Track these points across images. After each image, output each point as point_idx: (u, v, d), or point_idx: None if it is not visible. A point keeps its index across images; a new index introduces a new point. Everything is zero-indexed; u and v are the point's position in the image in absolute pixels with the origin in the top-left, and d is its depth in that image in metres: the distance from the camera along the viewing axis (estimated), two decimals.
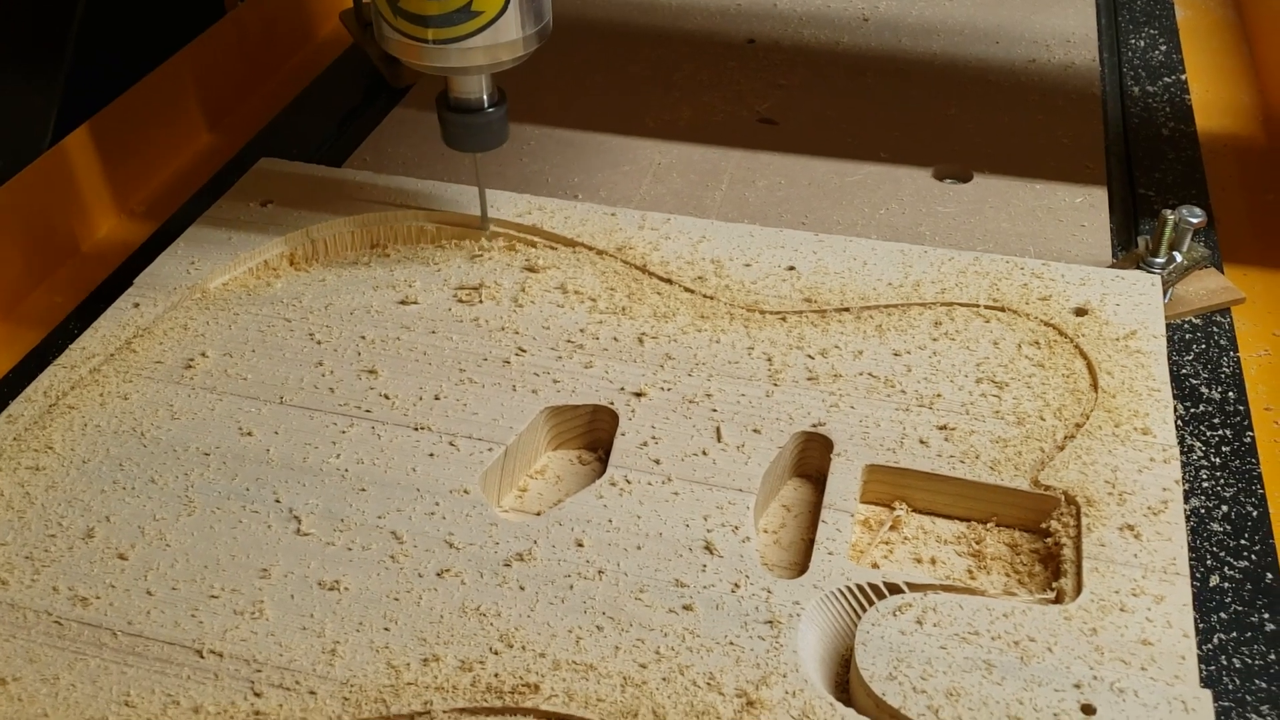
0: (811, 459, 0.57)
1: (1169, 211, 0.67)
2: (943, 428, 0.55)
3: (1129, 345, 0.59)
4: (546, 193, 0.75)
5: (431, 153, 0.82)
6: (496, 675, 0.45)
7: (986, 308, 0.62)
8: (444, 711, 0.44)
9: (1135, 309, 0.62)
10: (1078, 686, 0.44)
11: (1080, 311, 0.62)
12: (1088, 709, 0.44)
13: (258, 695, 0.45)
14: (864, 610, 0.48)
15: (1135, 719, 0.43)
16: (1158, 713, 0.44)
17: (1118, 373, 0.58)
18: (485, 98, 0.64)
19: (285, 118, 0.92)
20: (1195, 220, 0.67)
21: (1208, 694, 0.44)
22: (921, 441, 0.55)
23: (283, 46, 0.99)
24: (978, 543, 0.53)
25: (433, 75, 0.63)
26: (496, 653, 0.46)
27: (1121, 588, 0.48)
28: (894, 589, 0.49)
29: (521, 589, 0.49)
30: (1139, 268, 0.68)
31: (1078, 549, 0.50)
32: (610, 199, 0.77)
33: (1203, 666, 0.52)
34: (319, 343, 0.61)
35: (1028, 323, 0.61)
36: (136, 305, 0.64)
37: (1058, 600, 0.49)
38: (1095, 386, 0.57)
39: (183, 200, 0.82)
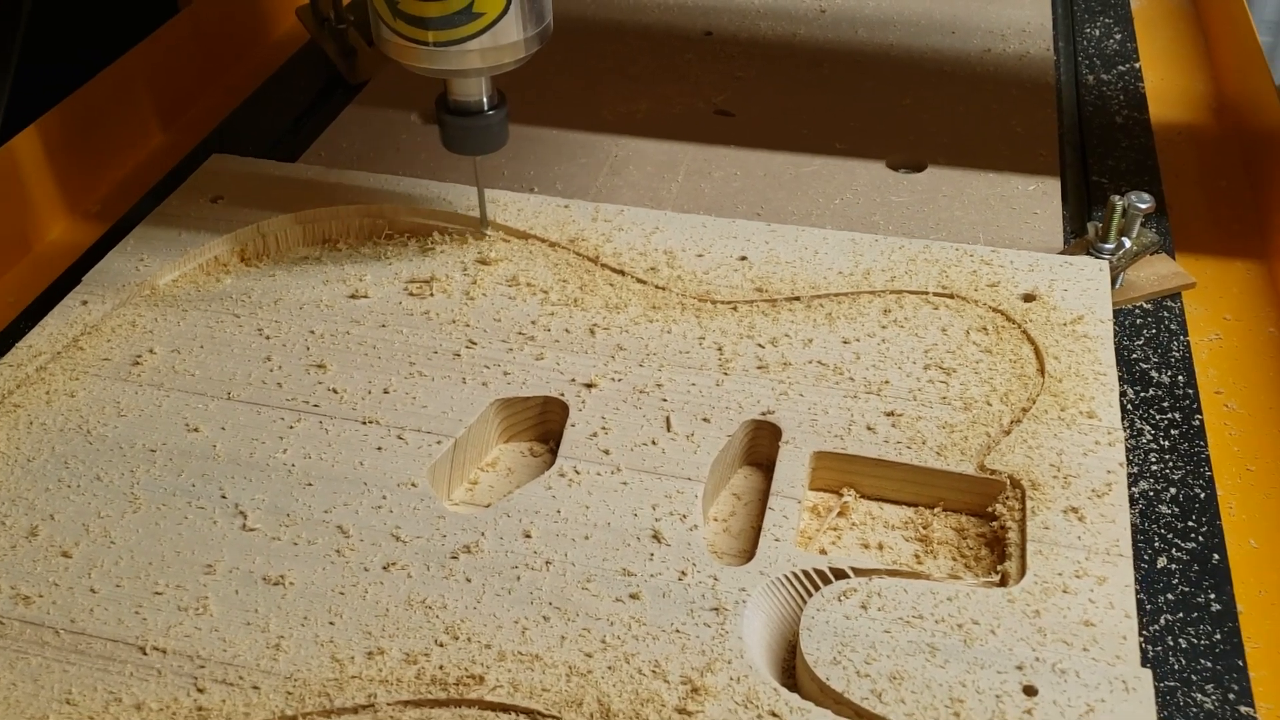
0: (761, 447, 0.57)
1: (1117, 197, 0.67)
2: (890, 414, 0.56)
3: (1076, 330, 0.60)
4: (502, 186, 0.75)
5: (386, 147, 0.81)
6: (441, 667, 0.45)
7: (935, 295, 0.62)
8: (388, 704, 0.44)
9: (1083, 294, 0.62)
10: (1020, 668, 0.45)
11: (1028, 297, 0.62)
12: (1029, 690, 0.44)
13: (201, 691, 0.45)
14: (810, 596, 0.48)
15: (1076, 699, 0.44)
16: (1098, 692, 0.44)
17: (1064, 357, 0.58)
18: (485, 100, 0.63)
19: (241, 114, 0.91)
20: (1144, 206, 0.68)
21: (1148, 673, 0.45)
22: (869, 428, 0.55)
23: (239, 43, 0.99)
24: (925, 527, 0.53)
25: (432, 78, 0.62)
26: (442, 645, 0.46)
27: (1065, 570, 0.48)
28: (840, 574, 0.49)
29: (468, 581, 0.49)
30: (1089, 254, 0.68)
31: (1022, 532, 0.50)
32: (567, 191, 0.77)
33: (1149, 647, 0.52)
34: (267, 338, 0.61)
35: (976, 309, 0.61)
36: (85, 303, 0.63)
37: (1002, 583, 0.49)
38: (1042, 371, 0.57)
39: (136, 200, 0.82)
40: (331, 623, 0.47)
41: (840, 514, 0.54)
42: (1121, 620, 0.46)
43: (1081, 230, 0.75)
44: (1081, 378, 0.57)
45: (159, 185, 0.82)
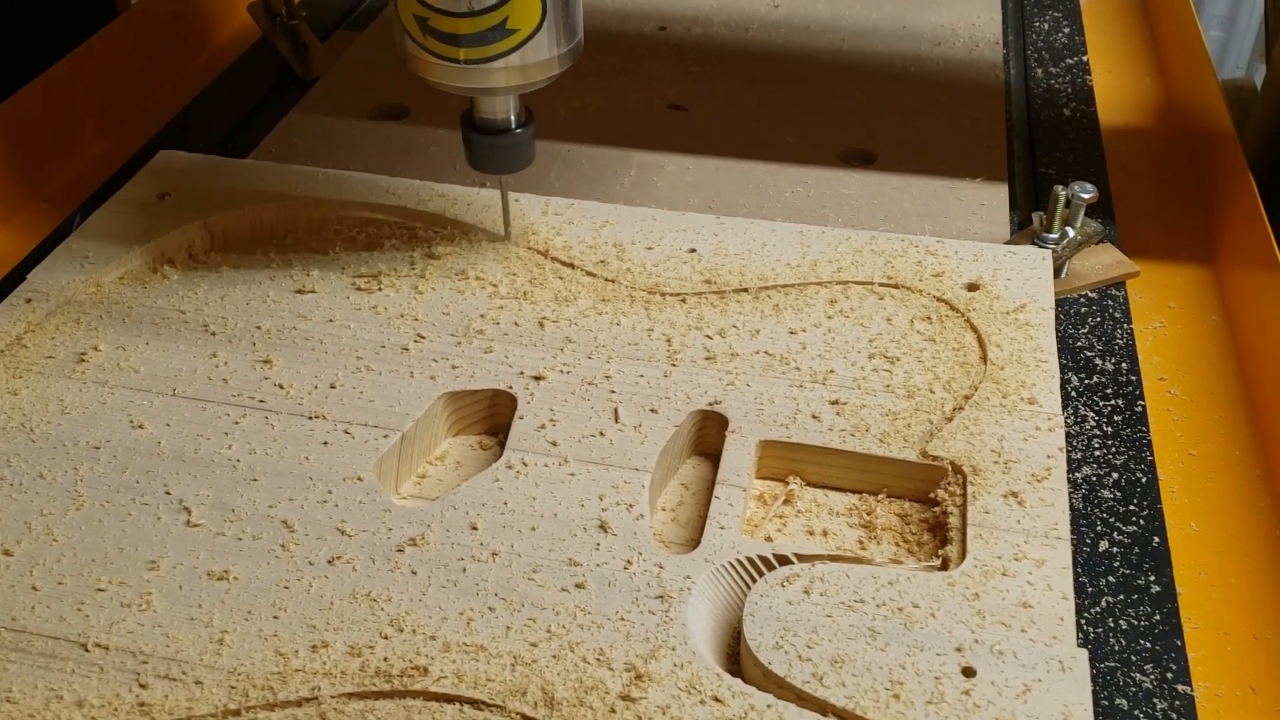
0: (709, 437, 0.57)
1: (1060, 188, 0.68)
2: (835, 402, 0.56)
3: (1018, 318, 0.60)
4: (455, 180, 0.75)
5: (337, 143, 0.81)
6: (386, 659, 0.45)
7: (881, 285, 0.63)
8: (331, 697, 0.44)
9: (1026, 283, 0.63)
10: (959, 650, 0.45)
11: (972, 287, 0.63)
12: (968, 671, 0.45)
13: (143, 687, 0.45)
14: (754, 582, 0.49)
15: (1014, 679, 0.44)
16: (1035, 672, 0.45)
17: (1007, 345, 0.59)
18: (513, 118, 0.62)
19: (192, 111, 0.91)
20: (1087, 196, 0.69)
21: (1084, 653, 0.46)
22: (814, 416, 0.56)
23: (188, 42, 0.98)
24: (868, 514, 0.54)
25: (458, 95, 0.61)
26: (386, 637, 0.46)
27: (1004, 553, 0.49)
28: (783, 560, 0.49)
29: (414, 574, 0.49)
30: (1034, 243, 0.69)
31: (963, 517, 0.51)
32: (518, 186, 0.77)
33: (1090, 629, 0.53)
34: (213, 334, 0.61)
35: (920, 299, 0.62)
36: (29, 301, 0.63)
37: (943, 567, 0.50)
38: (985, 359, 0.58)
39: (85, 197, 0.81)
40: (276, 617, 0.47)
41: (786, 502, 0.55)
42: (1059, 602, 0.47)
43: (1027, 221, 0.76)
44: (1023, 365, 0.58)
45: (108, 183, 0.82)
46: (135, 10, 0.91)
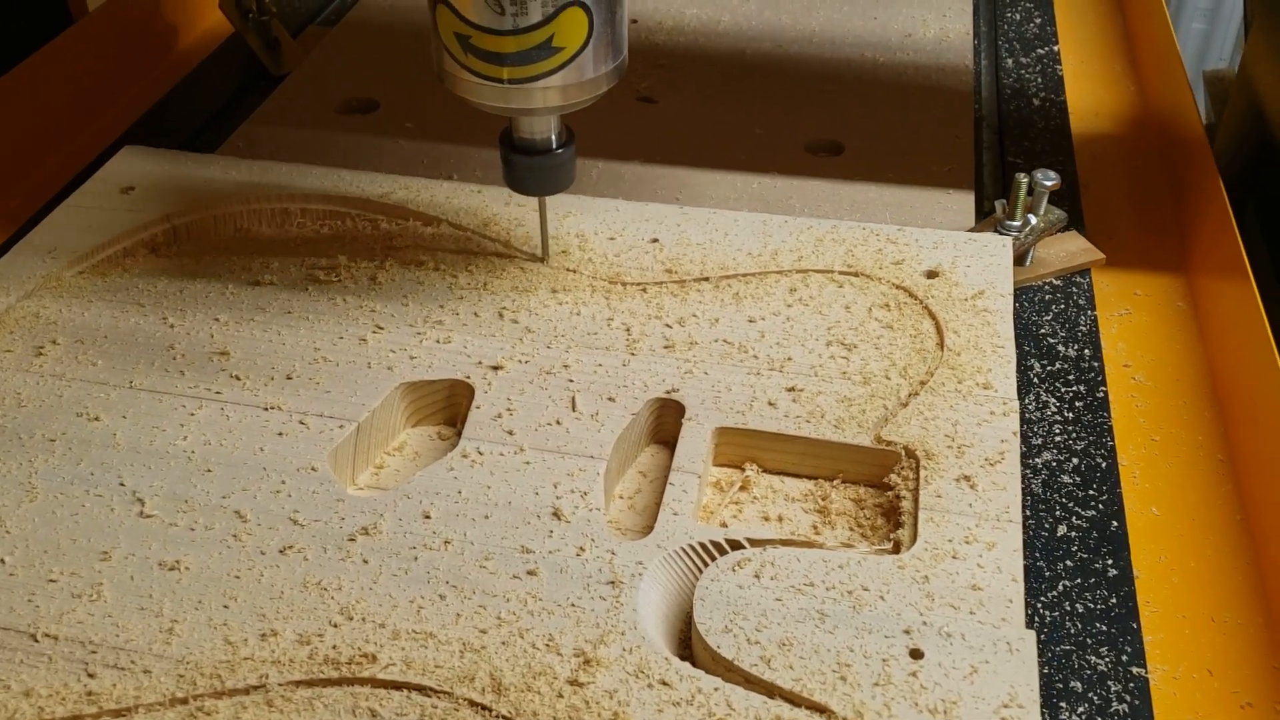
0: (667, 425, 0.57)
1: (1022, 175, 0.68)
2: (791, 389, 0.56)
3: (976, 305, 0.61)
4: (422, 174, 0.75)
5: (305, 138, 0.81)
6: (335, 647, 0.45)
7: (841, 274, 0.63)
8: (279, 685, 0.44)
9: (985, 270, 0.63)
10: (907, 632, 0.45)
11: (931, 274, 0.63)
12: (915, 653, 0.45)
13: (91, 676, 0.45)
14: (706, 568, 0.49)
15: (961, 661, 0.44)
16: (983, 654, 0.45)
17: (964, 331, 0.59)
18: (553, 137, 0.60)
19: (162, 107, 0.91)
20: (1049, 183, 0.69)
21: (1031, 634, 0.46)
22: (770, 403, 0.56)
23: (157, 40, 0.98)
24: (824, 499, 0.54)
25: (498, 114, 0.59)
26: (336, 625, 0.46)
27: (955, 536, 0.49)
28: (736, 545, 0.49)
29: (365, 562, 0.49)
30: (996, 231, 0.69)
31: (915, 501, 0.51)
32: (487, 179, 0.77)
33: (1047, 613, 0.53)
34: (171, 326, 0.61)
35: (880, 286, 0.62)
36: None
37: (895, 551, 0.50)
38: (941, 345, 0.58)
39: (53, 194, 0.81)
40: (226, 606, 0.47)
41: (742, 488, 0.55)
42: (1008, 584, 0.47)
43: (993, 209, 0.76)
44: (980, 350, 0.58)
45: (76, 178, 0.82)
46: (103, 9, 0.91)
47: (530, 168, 0.60)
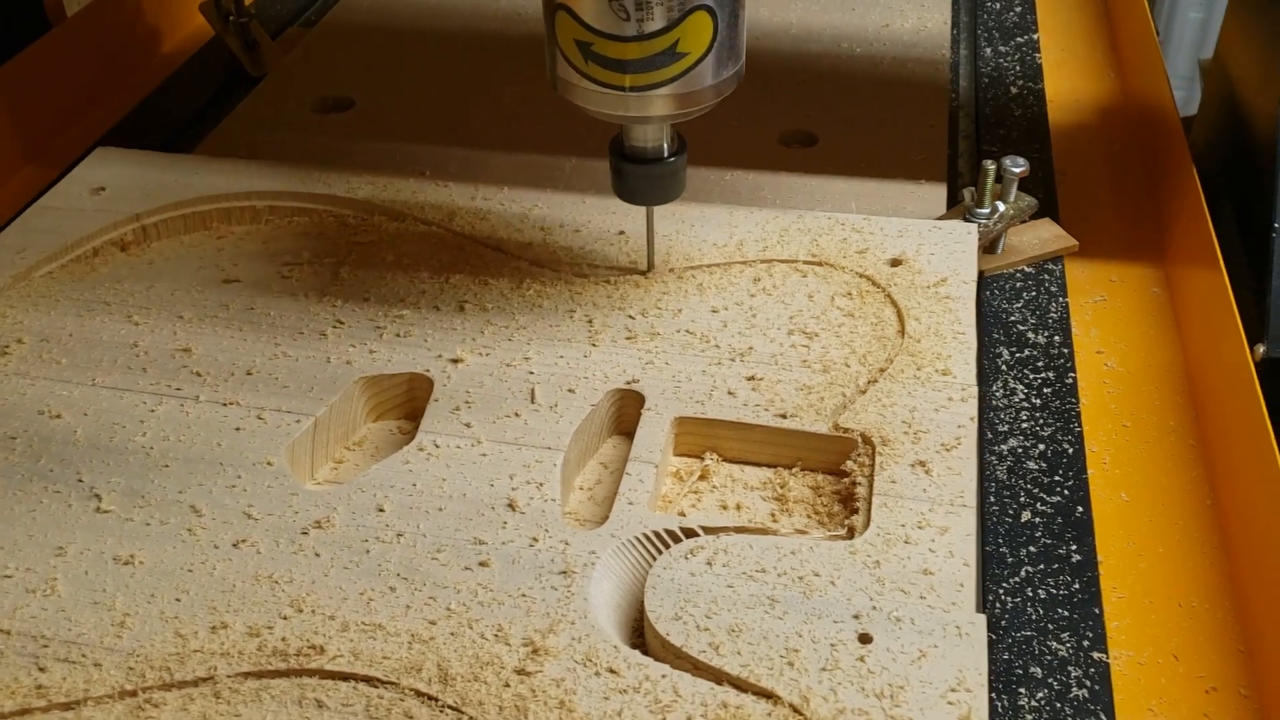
0: (629, 416, 0.57)
1: (989, 162, 0.68)
2: (751, 378, 0.56)
3: (939, 292, 0.60)
4: (391, 170, 0.75)
5: (281, 138, 0.81)
6: (284, 639, 0.45)
7: (805, 263, 0.63)
8: (228, 676, 0.44)
9: (949, 257, 0.63)
10: (857, 617, 0.45)
11: (895, 262, 0.63)
12: (865, 638, 0.45)
13: (41, 670, 0.45)
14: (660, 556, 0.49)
15: (910, 645, 0.44)
16: (932, 638, 0.44)
17: (925, 318, 0.59)
18: (666, 145, 0.58)
19: (144, 109, 0.91)
20: (1018, 170, 0.68)
21: (981, 618, 0.45)
22: (730, 392, 0.56)
23: (137, 44, 0.98)
24: (782, 487, 0.54)
25: (612, 122, 0.58)
26: (286, 618, 0.46)
27: (908, 521, 0.49)
28: (690, 533, 0.49)
29: (317, 555, 0.49)
30: (965, 219, 0.69)
31: (870, 487, 0.50)
32: (461, 174, 0.77)
33: (1008, 599, 0.53)
34: (136, 324, 0.61)
35: (843, 275, 0.62)
36: None
37: (849, 536, 0.49)
38: (902, 332, 0.58)
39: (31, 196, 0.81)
40: (178, 599, 0.47)
41: (701, 477, 0.55)
42: (960, 568, 0.47)
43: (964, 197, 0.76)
44: (940, 337, 0.57)
45: (56, 182, 0.82)
46: (82, 15, 0.92)
47: (643, 177, 0.58)
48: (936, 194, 0.75)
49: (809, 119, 0.82)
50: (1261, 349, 0.67)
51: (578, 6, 0.52)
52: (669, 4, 0.51)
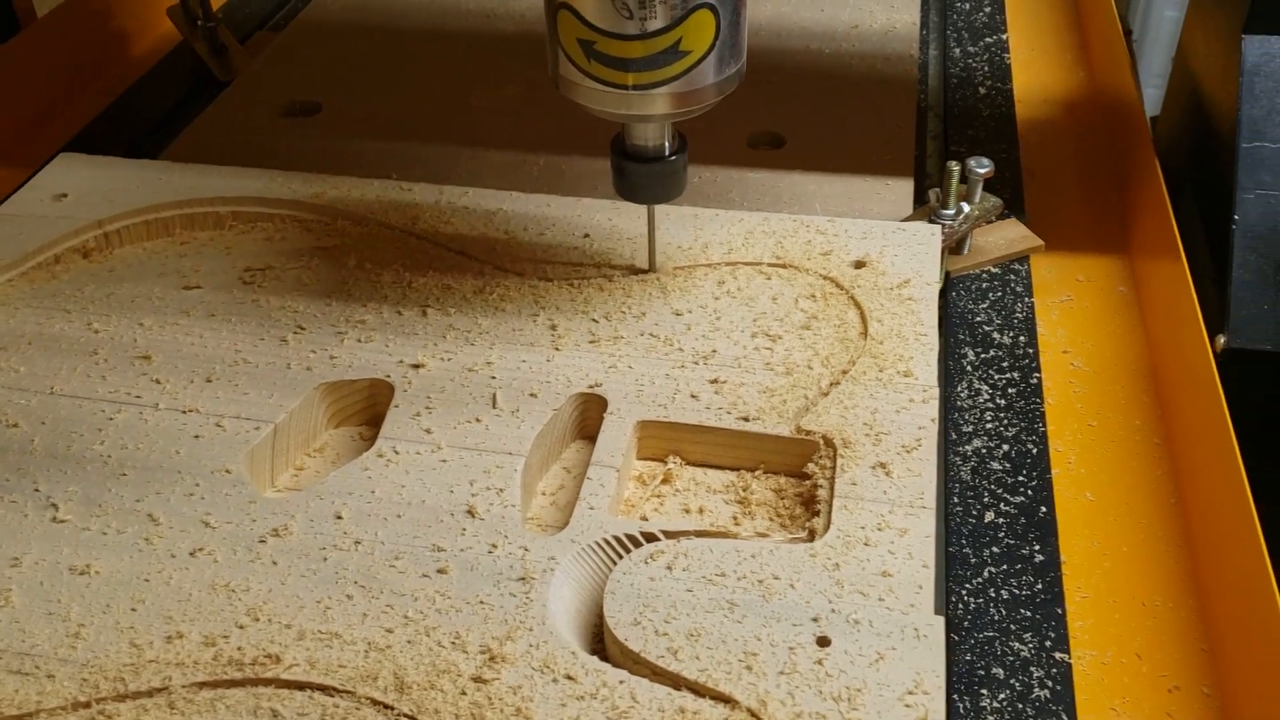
0: (592, 420, 0.57)
1: (954, 163, 0.68)
2: (714, 381, 0.56)
3: (902, 293, 0.60)
4: (359, 173, 0.74)
5: (247, 142, 0.81)
6: (240, 648, 0.45)
7: (770, 265, 0.63)
8: (182, 686, 0.44)
9: (912, 258, 0.63)
10: (815, 620, 0.45)
11: (859, 264, 0.62)
12: (823, 641, 0.44)
13: None
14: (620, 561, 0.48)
15: (868, 648, 0.44)
16: (890, 640, 0.44)
17: (888, 320, 0.59)
18: (667, 143, 0.58)
19: (111, 114, 0.90)
20: (983, 170, 0.68)
21: (940, 620, 0.45)
22: (693, 396, 0.55)
23: (105, 48, 0.98)
24: (745, 490, 0.53)
25: (614, 120, 0.58)
26: (242, 627, 0.46)
27: (868, 523, 0.49)
28: (650, 538, 0.49)
29: (274, 564, 0.48)
30: (931, 220, 0.69)
31: (831, 489, 0.50)
32: (428, 176, 0.77)
33: (971, 600, 0.53)
34: (96, 332, 0.60)
35: (807, 277, 0.62)
36: None
37: (810, 539, 0.49)
38: (865, 334, 0.58)
39: None
40: (133, 609, 0.47)
41: (664, 481, 0.55)
42: (919, 570, 0.47)
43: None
44: (903, 339, 0.57)
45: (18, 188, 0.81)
46: (51, 17, 0.91)
47: (645, 175, 0.59)
48: (903, 194, 0.75)
49: (777, 119, 0.82)
50: (1223, 339, 0.68)
51: (580, 5, 0.53)
52: (671, 2, 0.52)
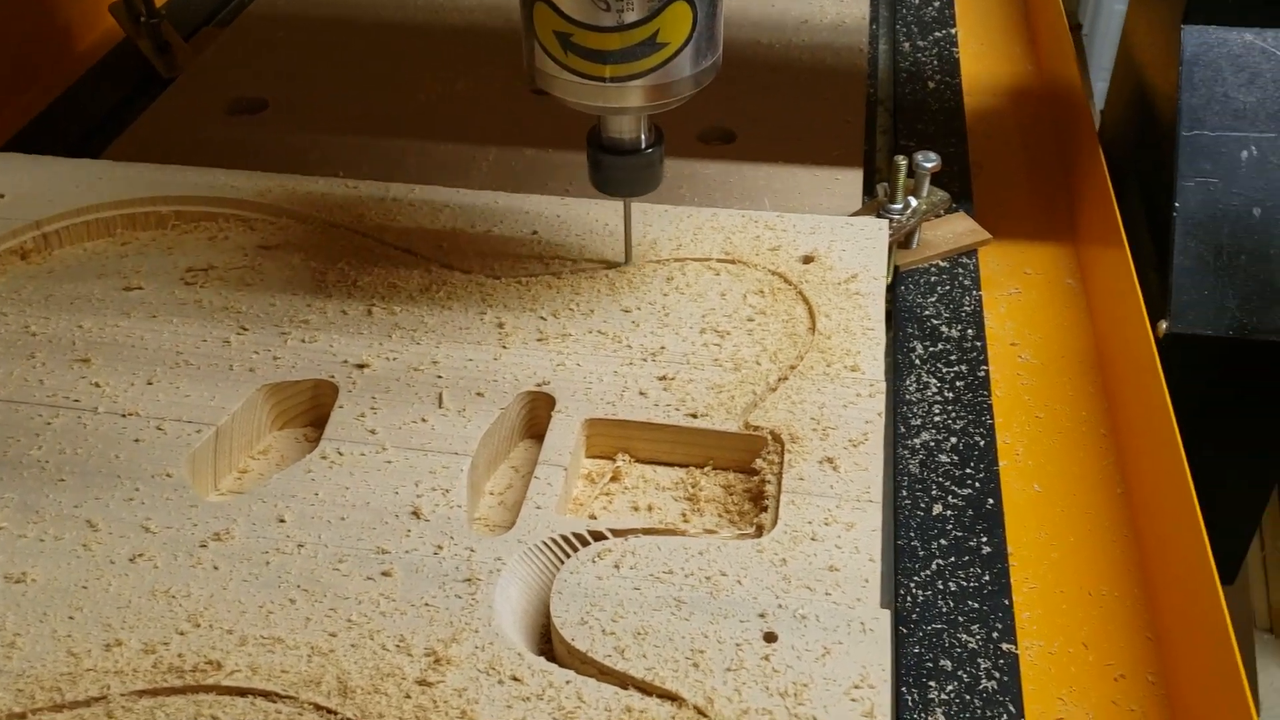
0: (540, 419, 0.57)
1: (901, 158, 0.68)
2: (663, 378, 0.56)
3: (849, 288, 0.60)
4: (306, 171, 0.73)
5: (191, 140, 0.80)
6: (180, 655, 0.44)
7: (718, 261, 0.63)
8: (121, 695, 0.43)
9: (860, 253, 0.63)
10: (762, 616, 0.45)
11: (807, 259, 0.63)
12: (770, 637, 0.44)
13: None
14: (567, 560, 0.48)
15: (814, 643, 0.44)
16: (836, 634, 0.44)
17: (835, 315, 0.59)
18: (643, 136, 0.58)
19: (52, 113, 0.89)
20: (929, 165, 0.69)
21: (886, 613, 0.45)
22: (641, 393, 0.55)
23: (51, 46, 0.96)
24: (694, 487, 0.53)
25: (590, 113, 0.57)
26: (183, 633, 0.45)
27: (815, 518, 0.49)
28: (598, 536, 0.49)
29: (215, 569, 0.48)
30: (879, 215, 0.69)
31: (779, 484, 0.50)
32: (375, 173, 0.76)
33: (919, 592, 0.53)
34: (34, 335, 0.59)
35: (756, 273, 0.62)
36: None
37: (758, 534, 0.49)
38: (813, 329, 0.58)
39: None
40: (71, 617, 0.46)
41: (613, 479, 0.54)
42: (865, 564, 0.47)
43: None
44: (850, 333, 0.58)
45: None
46: None
47: (621, 168, 0.58)
48: (853, 188, 0.75)
49: (727, 114, 0.82)
50: (1164, 325, 0.68)
51: None
52: None
